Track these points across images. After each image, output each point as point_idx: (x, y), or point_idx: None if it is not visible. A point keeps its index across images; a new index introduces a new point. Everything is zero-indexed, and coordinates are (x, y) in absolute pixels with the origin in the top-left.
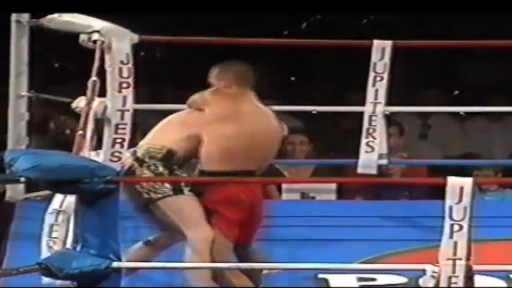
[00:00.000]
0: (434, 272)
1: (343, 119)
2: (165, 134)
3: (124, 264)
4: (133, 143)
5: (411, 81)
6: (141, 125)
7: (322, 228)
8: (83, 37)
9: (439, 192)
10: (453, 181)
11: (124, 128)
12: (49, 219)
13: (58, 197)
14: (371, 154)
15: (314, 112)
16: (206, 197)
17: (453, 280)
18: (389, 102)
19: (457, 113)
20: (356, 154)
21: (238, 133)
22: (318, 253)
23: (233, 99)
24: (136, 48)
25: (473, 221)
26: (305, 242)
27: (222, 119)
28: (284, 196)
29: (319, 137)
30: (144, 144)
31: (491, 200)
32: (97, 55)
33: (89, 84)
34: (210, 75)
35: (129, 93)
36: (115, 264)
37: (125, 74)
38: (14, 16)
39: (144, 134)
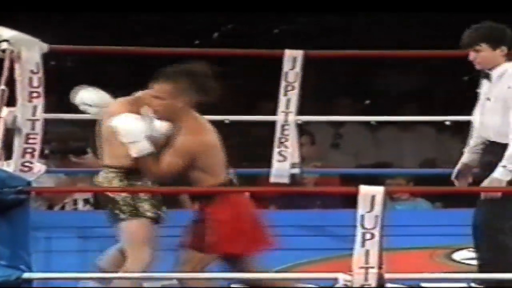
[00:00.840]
0: (346, 280)
1: (255, 128)
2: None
3: (35, 275)
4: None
5: (323, 91)
6: (50, 134)
7: None
8: None
9: (352, 201)
10: (365, 190)
11: (34, 138)
12: None
13: None
14: (284, 163)
15: (226, 121)
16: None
17: None
18: (301, 112)
19: (368, 123)
20: (268, 163)
21: (216, 142)
22: None
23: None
24: (46, 57)
25: (384, 230)
26: None
27: (201, 131)
28: None
29: (231, 147)
30: None
31: (402, 209)
32: (6, 64)
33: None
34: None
35: (39, 102)
36: (26, 275)
37: (35, 83)
38: None
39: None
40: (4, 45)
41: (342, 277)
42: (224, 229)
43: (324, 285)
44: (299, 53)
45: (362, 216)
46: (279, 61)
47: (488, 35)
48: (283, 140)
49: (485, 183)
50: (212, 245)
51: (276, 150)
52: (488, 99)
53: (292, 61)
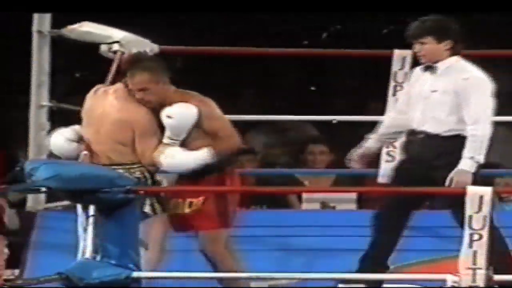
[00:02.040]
0: (454, 282)
1: (363, 129)
2: None
3: (144, 274)
4: None
5: None
6: None
7: (343, 238)
8: (103, 48)
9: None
10: (472, 190)
11: None
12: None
13: None
14: (392, 163)
15: (334, 121)
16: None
17: None
18: None
19: None
20: (376, 164)
21: None
22: (338, 263)
23: None
24: None
25: (494, 230)
26: (325, 251)
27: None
28: (304, 205)
29: (339, 147)
30: None
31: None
32: (115, 65)
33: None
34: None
35: None
36: (135, 274)
37: None
38: (35, 26)
39: None
40: (116, 46)
41: (450, 278)
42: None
43: (432, 285)
44: (408, 53)
45: (470, 217)
46: (389, 61)
47: (434, 28)
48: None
49: (452, 175)
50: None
51: (384, 150)
52: (434, 91)
53: (401, 61)
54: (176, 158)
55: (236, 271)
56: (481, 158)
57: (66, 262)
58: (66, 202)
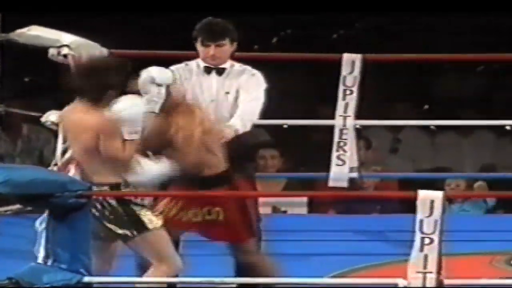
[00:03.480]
0: (405, 286)
1: (314, 133)
2: None
3: (95, 278)
4: None
5: (381, 95)
6: None
7: (293, 243)
8: (52, 51)
9: (411, 206)
10: (423, 195)
11: None
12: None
13: None
14: (342, 167)
15: (285, 126)
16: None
17: None
18: (359, 116)
19: (427, 127)
20: (327, 168)
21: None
22: (288, 268)
23: None
24: None
25: (444, 234)
26: (276, 256)
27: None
28: None
29: (290, 151)
30: None
31: (460, 213)
32: (66, 69)
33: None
34: None
35: None
36: (86, 279)
37: None
38: None
39: None
40: (65, 50)
41: (401, 282)
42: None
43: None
44: (357, 57)
45: (421, 221)
46: (337, 65)
47: (231, 30)
48: (341, 144)
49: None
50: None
51: (334, 154)
52: (227, 93)
53: (351, 65)
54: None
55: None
56: (248, 125)
57: (17, 267)
58: (16, 207)
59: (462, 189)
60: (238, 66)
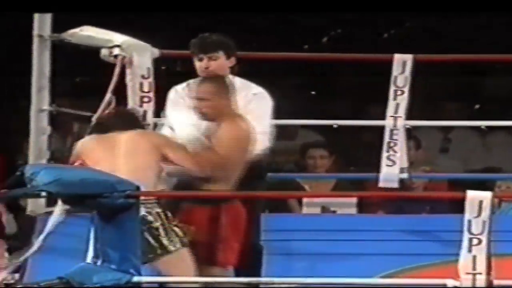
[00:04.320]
0: (455, 286)
1: (364, 133)
2: None
3: (145, 278)
4: None
5: (432, 95)
6: None
7: (343, 243)
8: (104, 52)
9: (460, 206)
10: (472, 195)
11: None
12: None
13: None
14: (392, 168)
15: (335, 126)
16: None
17: None
18: (409, 116)
19: (478, 127)
20: (377, 168)
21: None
22: (338, 268)
23: None
24: (157, 62)
25: (493, 235)
26: (325, 256)
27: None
28: (305, 210)
29: (340, 151)
30: None
31: None
32: (117, 69)
33: (105, 100)
34: None
35: (150, 107)
36: (135, 279)
37: (145, 88)
38: (36, 31)
39: None
40: (116, 51)
41: (450, 283)
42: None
43: None
44: (408, 57)
45: (469, 222)
46: (389, 65)
47: (225, 44)
48: (392, 144)
49: None
50: None
51: (385, 154)
52: None
53: (402, 65)
54: None
55: None
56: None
57: (67, 267)
58: (66, 207)
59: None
60: (238, 82)
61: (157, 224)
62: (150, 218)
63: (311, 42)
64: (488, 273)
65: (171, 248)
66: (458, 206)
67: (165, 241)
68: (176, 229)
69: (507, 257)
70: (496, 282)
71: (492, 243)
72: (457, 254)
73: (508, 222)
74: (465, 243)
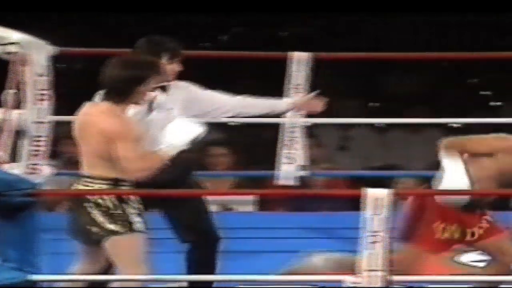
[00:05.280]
0: (352, 282)
1: (264, 131)
2: None
3: (42, 277)
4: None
5: (332, 93)
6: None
7: (242, 240)
8: None
9: (360, 204)
10: (371, 192)
11: (42, 140)
12: None
13: None
14: (291, 165)
15: (233, 123)
16: None
17: None
18: (309, 114)
19: (377, 125)
20: (276, 166)
21: None
22: (237, 265)
23: None
24: (55, 60)
25: (393, 232)
26: (224, 254)
27: None
28: None
29: (239, 149)
30: None
31: None
32: (14, 67)
33: (6, 96)
34: None
35: (46, 105)
36: (33, 277)
37: (42, 86)
38: None
39: None
40: (12, 48)
41: (348, 279)
42: None
43: (330, 286)
44: (306, 56)
45: (368, 219)
46: (287, 63)
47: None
48: (290, 142)
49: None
50: None
51: (283, 152)
52: (171, 109)
53: (300, 63)
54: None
55: None
56: None
57: None
58: None
59: (410, 187)
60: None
61: (109, 204)
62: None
63: (211, 41)
64: (387, 269)
65: (119, 229)
66: (357, 204)
67: (112, 222)
68: (132, 212)
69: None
70: (394, 278)
71: (393, 240)
72: (356, 252)
73: None
74: (364, 240)
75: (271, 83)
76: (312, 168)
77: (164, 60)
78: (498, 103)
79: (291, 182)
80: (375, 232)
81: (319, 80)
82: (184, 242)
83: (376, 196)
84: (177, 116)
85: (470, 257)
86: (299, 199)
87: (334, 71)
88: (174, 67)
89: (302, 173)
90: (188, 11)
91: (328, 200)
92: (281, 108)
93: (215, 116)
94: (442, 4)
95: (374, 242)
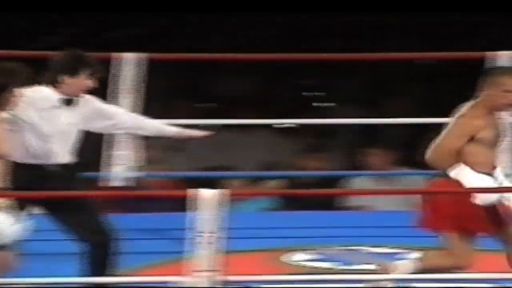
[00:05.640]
0: (182, 283)
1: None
2: None
3: None
4: None
5: (163, 94)
6: None
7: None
8: None
9: (192, 204)
10: (202, 193)
11: None
12: None
13: None
14: (120, 166)
15: None
16: None
17: None
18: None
19: (208, 126)
20: (106, 167)
21: None
22: (54, 267)
23: None
24: None
25: (223, 232)
26: (55, 256)
27: None
28: None
29: None
30: None
31: (243, 211)
32: None
33: None
34: None
35: None
36: None
37: None
38: None
39: None
40: None
41: (178, 280)
42: None
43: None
44: (135, 56)
45: (200, 219)
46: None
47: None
48: (120, 143)
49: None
50: None
51: (114, 153)
52: (73, 123)
53: (131, 64)
54: None
55: None
56: None
57: None
58: None
59: (243, 187)
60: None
61: None
62: None
63: (43, 41)
64: (219, 270)
65: None
66: (189, 204)
67: None
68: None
69: (238, 253)
70: (226, 278)
71: (225, 240)
72: (188, 252)
73: (240, 219)
74: (196, 241)
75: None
76: (146, 169)
77: (79, 76)
78: (327, 104)
79: (120, 183)
80: (207, 232)
81: (150, 81)
82: (80, 242)
83: (210, 196)
84: (77, 130)
85: (300, 257)
86: (136, 200)
87: (163, 72)
88: (90, 83)
89: (135, 174)
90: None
91: (160, 201)
92: (170, 134)
93: (113, 132)
94: (269, 4)
95: (205, 243)
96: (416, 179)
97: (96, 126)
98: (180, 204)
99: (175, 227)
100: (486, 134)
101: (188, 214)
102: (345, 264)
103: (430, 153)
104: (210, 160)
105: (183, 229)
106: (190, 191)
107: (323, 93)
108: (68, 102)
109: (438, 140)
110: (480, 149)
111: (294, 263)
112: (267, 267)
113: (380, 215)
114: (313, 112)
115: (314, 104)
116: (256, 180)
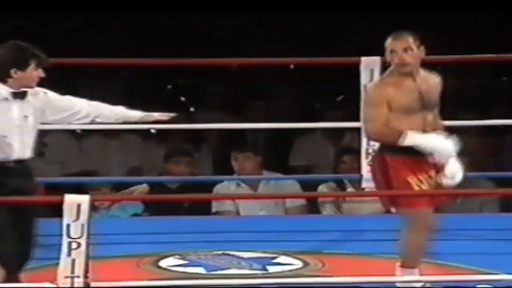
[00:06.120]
0: None
1: None
2: None
3: None
4: None
5: None
6: None
7: None
8: None
9: (59, 211)
10: (70, 199)
11: None
12: None
13: None
14: None
15: None
16: None
17: None
18: None
19: (73, 131)
20: None
21: None
22: None
23: None
24: None
25: (91, 238)
26: None
27: None
28: None
29: None
30: None
31: (108, 217)
32: None
33: None
34: None
35: None
36: None
37: None
38: None
39: None
40: None
41: (42, 287)
42: None
43: None
44: None
45: (68, 226)
46: None
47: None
48: None
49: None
50: None
51: None
52: (26, 117)
53: None
54: None
55: None
56: None
57: None
58: None
59: (108, 193)
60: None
61: None
62: None
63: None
64: (86, 276)
65: None
66: (56, 211)
67: None
68: None
69: (105, 259)
70: (93, 284)
71: (91, 246)
72: (56, 258)
73: (106, 225)
74: (64, 247)
75: None
76: None
77: (28, 67)
78: (193, 109)
79: None
80: (76, 238)
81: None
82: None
83: (76, 202)
84: (32, 124)
85: (170, 262)
86: None
87: None
88: (39, 74)
89: None
90: None
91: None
92: (135, 119)
93: (72, 122)
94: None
95: (75, 248)
96: (287, 183)
97: (51, 118)
98: (46, 210)
99: (44, 233)
100: (398, 100)
101: (54, 220)
102: (215, 269)
103: (370, 132)
104: (74, 165)
105: (48, 235)
106: (62, 197)
107: (189, 97)
108: (20, 95)
109: (361, 115)
110: (401, 117)
111: (164, 269)
112: (136, 273)
113: (251, 220)
114: (182, 116)
115: (182, 107)
116: (124, 185)
